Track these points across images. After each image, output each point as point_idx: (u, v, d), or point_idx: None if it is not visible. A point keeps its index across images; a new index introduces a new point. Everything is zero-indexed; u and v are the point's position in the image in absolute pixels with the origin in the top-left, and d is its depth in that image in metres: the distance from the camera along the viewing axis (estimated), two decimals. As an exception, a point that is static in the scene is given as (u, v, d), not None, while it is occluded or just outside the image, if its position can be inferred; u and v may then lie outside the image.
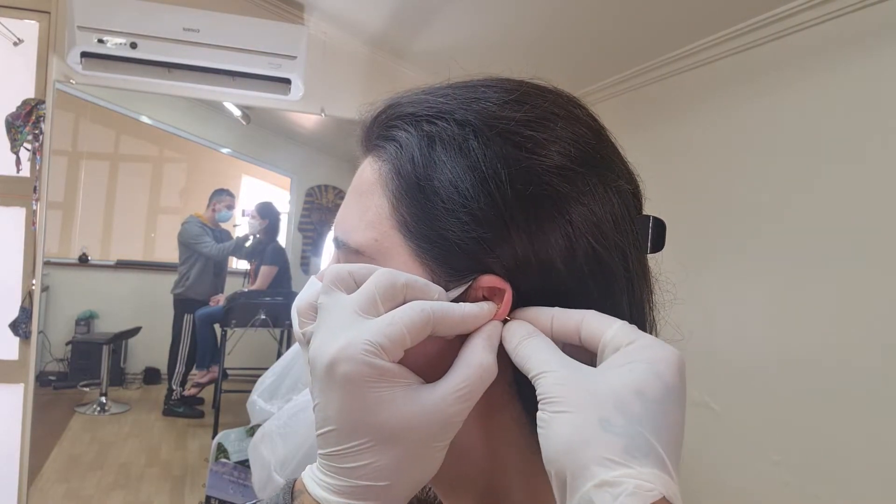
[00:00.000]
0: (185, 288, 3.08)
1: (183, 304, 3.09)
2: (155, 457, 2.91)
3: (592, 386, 0.31)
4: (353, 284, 0.35)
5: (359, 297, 0.33)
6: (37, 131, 2.06)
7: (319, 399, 0.33)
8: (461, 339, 0.35)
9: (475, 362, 0.33)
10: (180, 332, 3.07)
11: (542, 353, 0.33)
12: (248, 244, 3.23)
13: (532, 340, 0.34)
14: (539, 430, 0.31)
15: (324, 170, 3.33)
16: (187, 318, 3.07)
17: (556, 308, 0.35)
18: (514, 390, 0.37)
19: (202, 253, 3.09)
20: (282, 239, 3.25)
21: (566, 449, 0.29)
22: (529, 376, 0.33)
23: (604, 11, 1.73)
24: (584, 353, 0.35)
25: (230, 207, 3.21)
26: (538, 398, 0.32)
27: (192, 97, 2.51)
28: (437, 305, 0.33)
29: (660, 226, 0.40)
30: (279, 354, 2.84)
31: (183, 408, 3.14)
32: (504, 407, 0.38)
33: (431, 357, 0.35)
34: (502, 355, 0.35)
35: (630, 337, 0.33)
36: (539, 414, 0.32)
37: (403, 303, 0.34)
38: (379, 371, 0.31)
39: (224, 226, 3.22)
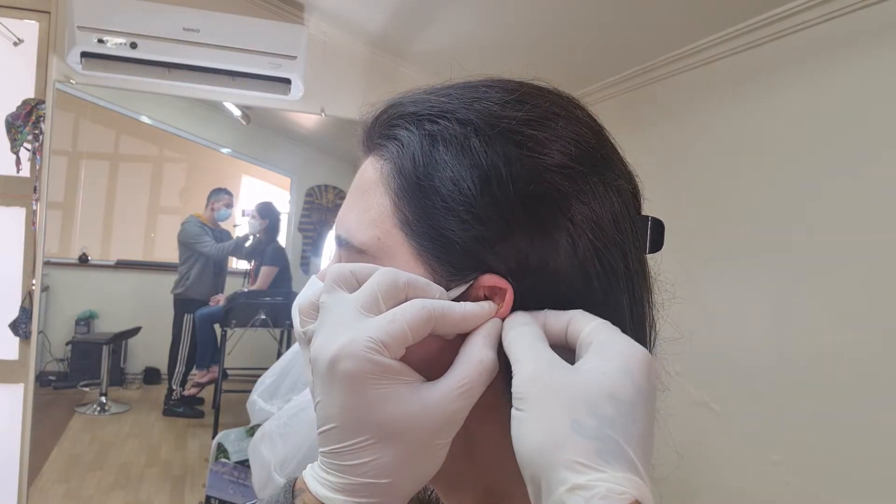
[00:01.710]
0: (185, 288, 3.08)
1: (183, 304, 3.09)
2: (155, 457, 2.91)
3: (564, 385, 0.31)
4: (355, 283, 0.35)
5: (361, 296, 0.34)
6: (37, 131, 2.06)
7: (321, 397, 0.33)
8: (461, 339, 0.35)
9: (475, 359, 0.34)
10: (180, 332, 3.07)
11: (522, 344, 0.33)
12: (248, 244, 3.23)
13: (518, 330, 0.34)
14: (512, 429, 0.31)
15: (324, 170, 3.33)
16: (187, 318, 3.07)
17: (547, 310, 0.36)
18: None
19: (202, 252, 3.09)
20: (282, 239, 3.25)
21: (538, 450, 0.29)
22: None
23: (604, 11, 1.73)
24: (571, 354, 0.35)
25: (229, 206, 3.21)
26: (512, 394, 0.32)
27: (192, 97, 2.51)
28: (438, 304, 0.34)
29: (659, 226, 0.40)
30: (279, 354, 2.84)
31: (183, 408, 3.14)
32: (504, 405, 0.37)
33: (432, 355, 0.35)
34: (502, 354, 0.35)
35: (603, 335, 0.33)
36: (512, 411, 0.32)
37: (405, 302, 0.34)
38: (381, 368, 0.31)
39: (224, 226, 3.22)
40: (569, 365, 0.32)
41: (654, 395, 0.32)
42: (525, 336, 0.34)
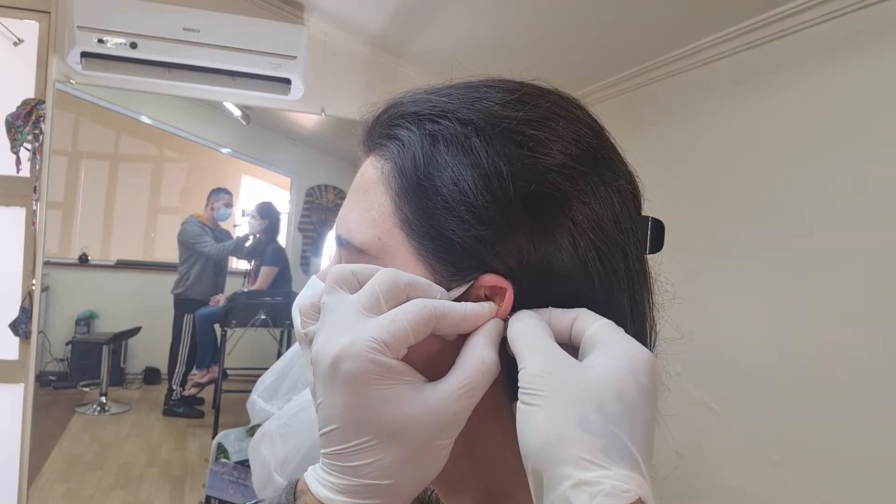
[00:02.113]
0: (185, 288, 3.08)
1: (183, 304, 3.09)
2: (155, 457, 2.91)
3: (572, 381, 0.31)
4: (356, 284, 0.35)
5: (362, 297, 0.34)
6: (37, 131, 2.06)
7: (323, 398, 0.33)
8: (462, 339, 0.35)
9: (476, 359, 0.34)
10: (180, 332, 3.07)
11: (529, 339, 0.33)
12: (248, 244, 3.23)
13: (525, 322, 0.34)
14: (517, 422, 0.31)
15: (324, 170, 3.33)
16: (187, 318, 3.07)
17: (552, 308, 0.36)
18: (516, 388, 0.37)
19: (202, 252, 3.09)
20: (282, 239, 3.25)
21: (544, 445, 0.29)
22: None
23: (604, 11, 1.73)
24: (574, 352, 0.35)
25: (228, 206, 3.21)
26: (518, 386, 0.32)
27: (192, 97, 2.51)
28: (439, 303, 0.34)
29: (659, 226, 0.40)
30: (279, 354, 2.84)
31: (183, 408, 3.14)
32: (505, 405, 0.37)
33: (433, 356, 0.35)
34: (504, 354, 0.35)
35: (609, 335, 0.33)
36: (518, 404, 0.32)
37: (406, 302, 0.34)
38: (384, 368, 0.31)
39: (224, 226, 3.23)
40: (576, 360, 0.33)
41: (656, 397, 0.32)
42: (532, 330, 0.34)
